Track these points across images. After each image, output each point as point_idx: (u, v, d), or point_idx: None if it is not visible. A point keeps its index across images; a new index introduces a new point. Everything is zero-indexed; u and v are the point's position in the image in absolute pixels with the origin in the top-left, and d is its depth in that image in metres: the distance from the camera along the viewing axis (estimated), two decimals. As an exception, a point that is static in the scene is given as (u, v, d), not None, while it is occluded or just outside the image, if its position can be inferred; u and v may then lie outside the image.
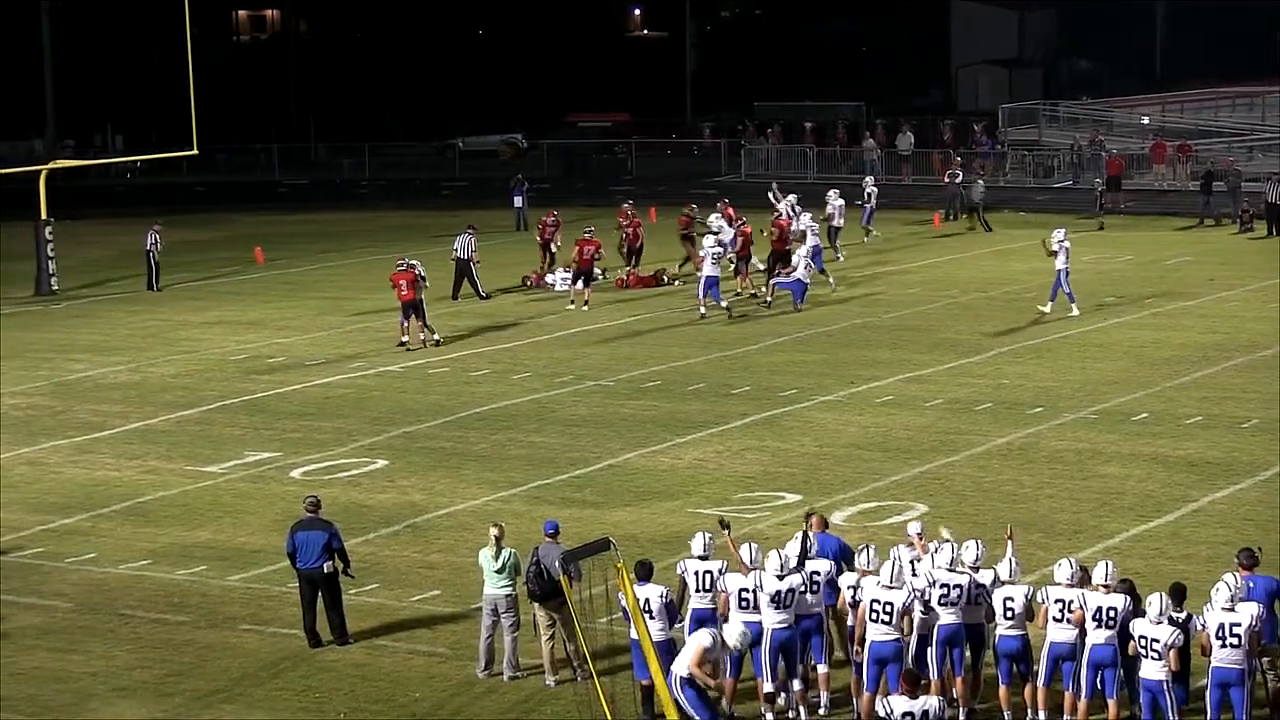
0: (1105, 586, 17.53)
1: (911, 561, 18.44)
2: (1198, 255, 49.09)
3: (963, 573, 18.13)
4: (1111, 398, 32.14)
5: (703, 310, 40.71)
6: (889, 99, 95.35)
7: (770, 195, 48.07)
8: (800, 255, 42.05)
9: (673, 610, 18.39)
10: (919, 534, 19.09)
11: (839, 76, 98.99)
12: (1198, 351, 36.02)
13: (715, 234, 42.38)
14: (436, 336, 38.36)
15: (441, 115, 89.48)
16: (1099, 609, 17.45)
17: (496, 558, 19.84)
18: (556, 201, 57.47)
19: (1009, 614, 18.00)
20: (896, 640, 17.83)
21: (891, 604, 17.73)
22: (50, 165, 55.21)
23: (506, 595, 19.82)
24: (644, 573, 18.38)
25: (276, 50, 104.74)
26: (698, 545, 18.82)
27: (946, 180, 59.74)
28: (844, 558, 19.08)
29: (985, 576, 18.26)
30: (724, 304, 40.72)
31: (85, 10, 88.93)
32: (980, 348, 36.85)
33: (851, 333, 38.97)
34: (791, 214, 45.10)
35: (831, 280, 44.19)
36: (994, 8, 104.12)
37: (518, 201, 57.98)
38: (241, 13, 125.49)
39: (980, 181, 57.39)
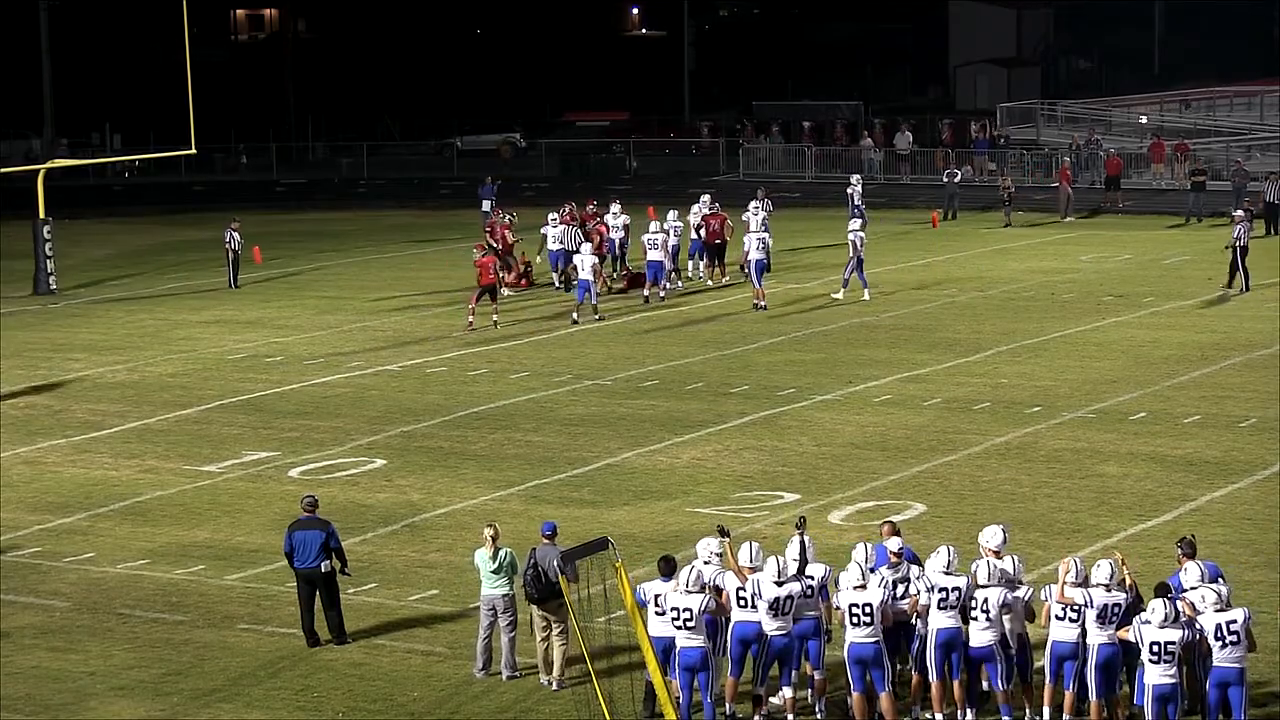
0: (1108, 586, 17.53)
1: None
2: (1196, 254, 49.04)
3: (961, 576, 18.07)
4: (1110, 397, 32.13)
5: (646, 294, 43.00)
6: (888, 98, 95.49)
7: (671, 215, 47.88)
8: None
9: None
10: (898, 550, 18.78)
11: (837, 75, 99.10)
12: (1196, 351, 36.02)
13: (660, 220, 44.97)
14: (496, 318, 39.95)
15: (440, 114, 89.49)
16: (1105, 607, 17.45)
17: (494, 558, 19.83)
18: (556, 201, 57.29)
19: (987, 613, 17.94)
20: (876, 643, 17.79)
21: (870, 605, 17.72)
22: (48, 164, 55.16)
23: (504, 595, 19.79)
24: (667, 569, 18.37)
25: (274, 50, 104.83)
26: (703, 549, 18.81)
27: (945, 180, 59.76)
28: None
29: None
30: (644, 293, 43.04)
31: (84, 9, 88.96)
32: (978, 347, 36.84)
33: (849, 332, 38.97)
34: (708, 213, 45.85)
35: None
36: (992, 7, 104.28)
37: (486, 205, 54.59)
38: (239, 12, 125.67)
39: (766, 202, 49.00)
